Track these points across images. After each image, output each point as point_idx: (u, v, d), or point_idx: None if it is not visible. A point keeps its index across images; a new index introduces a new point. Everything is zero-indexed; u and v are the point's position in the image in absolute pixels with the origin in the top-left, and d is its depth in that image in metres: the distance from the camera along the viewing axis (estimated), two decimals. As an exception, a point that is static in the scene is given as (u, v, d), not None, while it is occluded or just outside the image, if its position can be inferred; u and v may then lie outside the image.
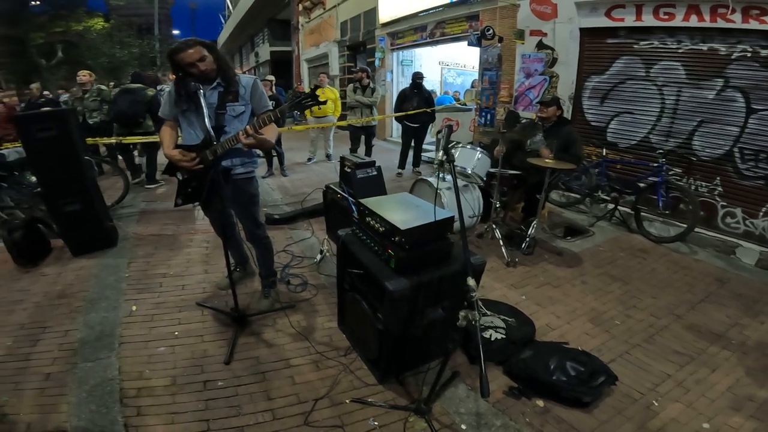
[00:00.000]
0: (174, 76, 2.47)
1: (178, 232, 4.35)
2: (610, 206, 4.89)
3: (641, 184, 4.68)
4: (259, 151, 3.32)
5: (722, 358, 2.57)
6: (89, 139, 5.02)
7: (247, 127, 2.23)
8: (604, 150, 5.09)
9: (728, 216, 4.36)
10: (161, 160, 6.79)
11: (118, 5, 29.53)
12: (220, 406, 2.09)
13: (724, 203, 4.37)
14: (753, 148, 4.08)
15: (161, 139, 2.57)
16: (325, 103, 2.27)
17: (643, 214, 4.60)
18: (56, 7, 23.18)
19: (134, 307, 2.95)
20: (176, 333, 2.67)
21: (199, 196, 2.54)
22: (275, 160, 7.10)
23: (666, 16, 4.46)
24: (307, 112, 7.60)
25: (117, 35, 25.37)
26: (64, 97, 9.32)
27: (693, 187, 4.55)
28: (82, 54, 23.42)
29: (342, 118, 7.70)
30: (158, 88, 6.63)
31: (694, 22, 4.27)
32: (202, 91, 2.28)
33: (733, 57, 4.12)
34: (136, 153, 7.16)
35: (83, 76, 6.15)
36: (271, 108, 2.52)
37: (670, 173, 4.47)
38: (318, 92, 2.20)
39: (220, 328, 2.73)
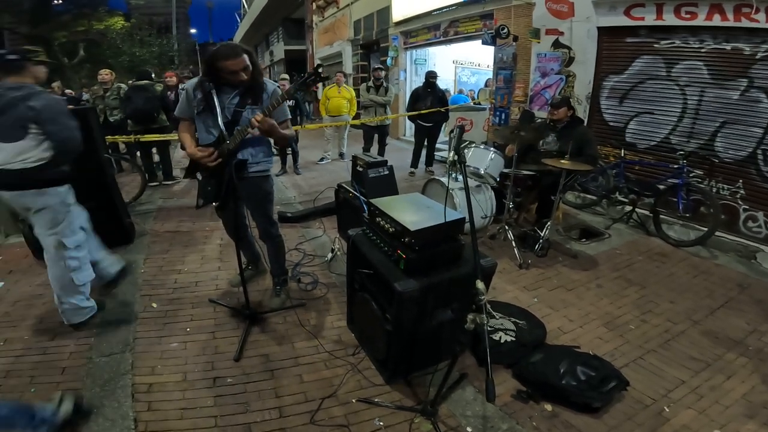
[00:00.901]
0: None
1: (194, 229, 4.42)
2: (628, 208, 4.79)
3: (661, 186, 4.58)
4: (274, 149, 3.36)
5: (739, 365, 2.50)
6: (109, 136, 5.13)
7: (258, 113, 2.29)
8: (623, 151, 4.99)
9: (750, 220, 4.23)
10: (176, 157, 6.91)
11: (138, 4, 30.06)
12: (229, 403, 2.11)
13: (746, 206, 4.25)
14: (777, 151, 3.96)
15: (182, 141, 2.61)
16: (328, 77, 2.28)
17: (662, 216, 4.50)
18: (78, 6, 23.76)
19: (154, 305, 2.99)
20: (188, 329, 2.72)
21: (218, 195, 2.58)
22: (289, 158, 7.17)
23: (688, 16, 4.35)
24: (322, 110, 7.65)
25: (138, 34, 25.86)
26: (84, 96, 9.51)
27: (714, 190, 4.43)
28: (103, 53, 23.96)
29: (356, 117, 7.72)
30: (180, 87, 6.72)
31: (717, 21, 4.16)
32: (214, 91, 2.33)
33: (757, 57, 3.99)
34: (154, 150, 7.27)
35: (105, 74, 6.28)
36: (290, 117, 2.63)
37: (691, 175, 4.36)
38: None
39: (231, 324, 2.77)
